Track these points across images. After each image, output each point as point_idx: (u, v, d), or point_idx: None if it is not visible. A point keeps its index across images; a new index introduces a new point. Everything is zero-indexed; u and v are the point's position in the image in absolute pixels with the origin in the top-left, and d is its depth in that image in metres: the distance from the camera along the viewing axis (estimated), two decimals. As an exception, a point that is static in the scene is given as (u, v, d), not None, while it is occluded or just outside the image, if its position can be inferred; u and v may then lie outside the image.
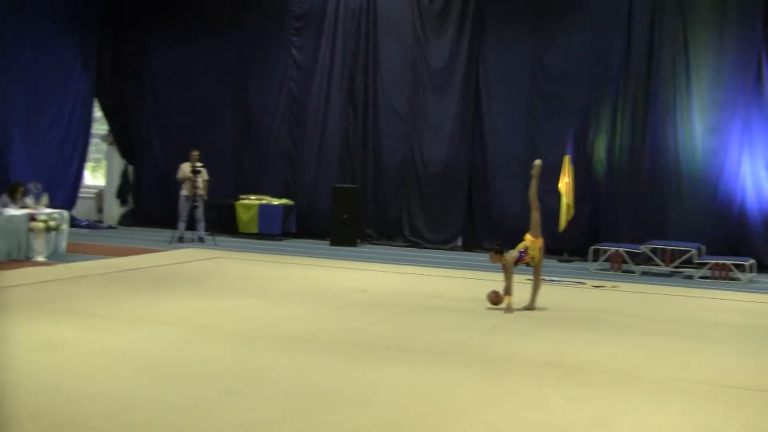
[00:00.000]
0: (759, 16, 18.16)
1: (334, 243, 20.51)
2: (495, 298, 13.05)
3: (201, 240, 20.22)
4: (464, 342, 10.91)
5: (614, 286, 15.93)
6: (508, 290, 12.95)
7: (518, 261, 13.00)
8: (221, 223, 21.43)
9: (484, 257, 19.23)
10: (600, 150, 19.38)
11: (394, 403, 8.11)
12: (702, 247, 17.86)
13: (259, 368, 9.20)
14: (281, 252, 19.15)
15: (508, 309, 12.78)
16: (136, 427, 7.18)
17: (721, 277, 17.11)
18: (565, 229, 18.84)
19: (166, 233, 20.88)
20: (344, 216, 20.43)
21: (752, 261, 17.39)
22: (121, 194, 24.03)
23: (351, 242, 20.49)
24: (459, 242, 20.70)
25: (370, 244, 21.09)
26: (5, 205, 16.91)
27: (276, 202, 21.40)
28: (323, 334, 11.03)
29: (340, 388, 8.56)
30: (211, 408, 7.75)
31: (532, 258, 13.03)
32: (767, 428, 7.84)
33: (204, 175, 20.26)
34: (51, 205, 18.10)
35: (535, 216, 13.18)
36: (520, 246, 13.10)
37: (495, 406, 8.15)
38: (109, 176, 24.41)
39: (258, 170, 22.46)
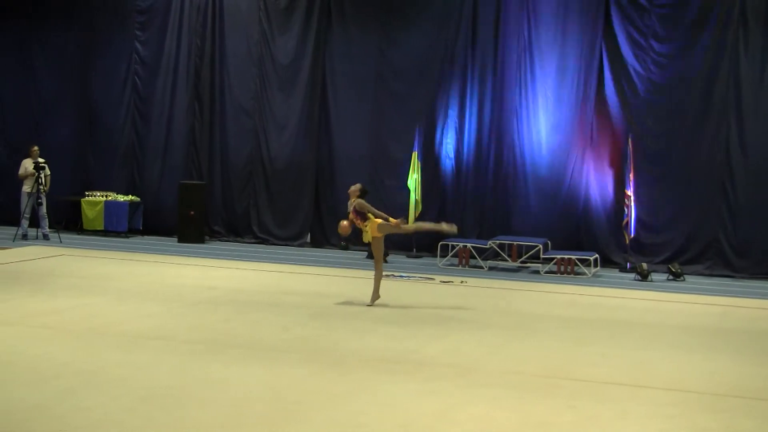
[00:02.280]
0: (600, 13, 18.61)
1: (181, 240, 20.26)
2: (346, 229, 13.40)
3: (46, 237, 19.68)
4: (310, 339, 10.96)
5: (462, 282, 16.21)
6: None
7: (358, 218, 13.22)
8: (66, 220, 20.93)
9: (332, 253, 19.48)
10: (448, 147, 19.65)
11: (238, 402, 8.10)
12: (548, 242, 18.31)
13: (100, 367, 9.06)
14: (128, 249, 18.79)
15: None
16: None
17: (567, 271, 17.56)
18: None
19: (8, 231, 20.25)
20: (191, 213, 20.18)
21: (596, 256, 17.91)
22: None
23: (199, 239, 20.26)
24: (307, 239, 20.68)
25: (219, 240, 20.91)
26: None
27: (122, 198, 21.00)
28: (169, 332, 10.93)
29: (184, 387, 8.51)
30: (46, 410, 7.60)
31: (364, 230, 13.23)
32: (600, 417, 8.13)
33: (46, 171, 19.72)
34: None
35: (382, 220, 13.25)
36: (379, 220, 13.17)
37: (339, 403, 8.22)
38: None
39: (103, 166, 21.97)
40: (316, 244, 20.51)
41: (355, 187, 13.33)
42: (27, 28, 22.39)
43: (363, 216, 13.10)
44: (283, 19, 20.71)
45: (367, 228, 13.13)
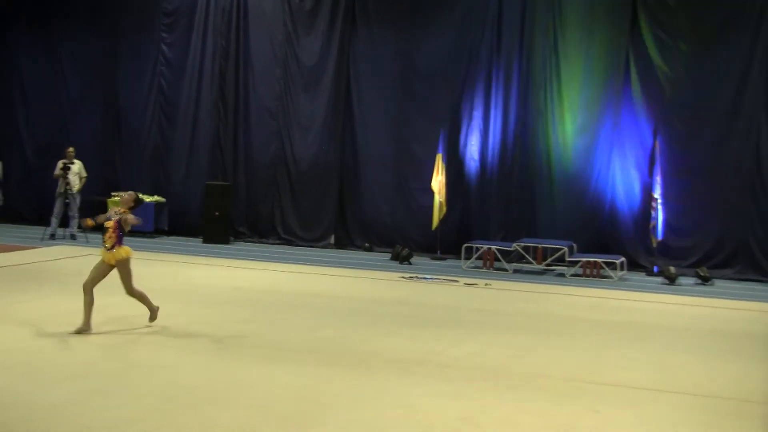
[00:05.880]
0: (627, 14, 18.48)
1: (206, 240, 20.29)
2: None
3: (73, 237, 19.78)
4: (334, 340, 10.92)
5: (487, 284, 16.12)
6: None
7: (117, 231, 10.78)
8: (92, 220, 20.98)
9: (356, 255, 19.44)
10: (472, 148, 19.57)
11: (260, 402, 8.07)
12: (573, 245, 18.18)
13: (125, 367, 9.10)
14: (153, 249, 18.83)
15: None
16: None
17: (592, 274, 17.42)
18: (438, 227, 19.00)
19: (38, 230, 20.38)
20: (216, 213, 20.22)
21: (623, 259, 17.77)
22: (-10, 190, 23.40)
23: (224, 240, 20.29)
24: (331, 240, 20.65)
25: (243, 241, 20.92)
26: None
27: (148, 199, 21.02)
28: (193, 332, 10.92)
29: (209, 386, 8.51)
30: (74, 408, 7.61)
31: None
32: (624, 423, 8.04)
33: (77, 171, 19.85)
34: None
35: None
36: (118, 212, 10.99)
37: (362, 404, 8.17)
38: (-25, 173, 23.70)
39: (129, 167, 22.09)
40: (340, 245, 20.47)
41: (129, 196, 11.21)
42: (55, 33, 22.62)
43: (122, 231, 10.83)
44: (307, 20, 20.70)
45: (117, 251, 10.74)
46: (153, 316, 11.07)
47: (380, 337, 11.22)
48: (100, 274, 10.75)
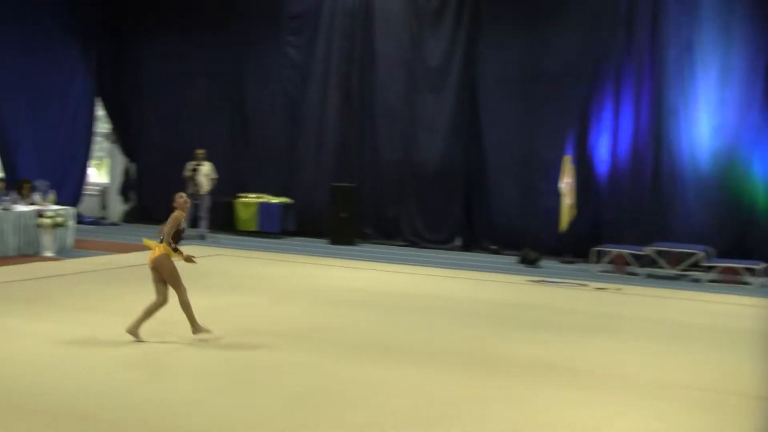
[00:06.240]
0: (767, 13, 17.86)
1: (333, 242, 20.34)
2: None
3: (202, 237, 20.09)
4: (461, 342, 10.75)
5: (618, 289, 15.69)
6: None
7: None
8: (221, 221, 21.31)
9: (483, 257, 19.21)
10: (602, 149, 19.12)
11: (387, 403, 7.98)
12: (710, 249, 17.49)
13: (252, 366, 9.15)
14: (280, 250, 19.00)
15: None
16: (128, 423, 7.09)
17: (731, 280, 16.77)
18: (567, 230, 18.60)
19: (167, 230, 20.79)
20: (343, 215, 20.27)
21: (764, 264, 17.07)
22: (124, 191, 24.09)
23: (350, 241, 20.32)
24: (458, 242, 20.47)
25: (369, 243, 20.90)
26: (14, 202, 17.34)
27: (275, 200, 21.28)
28: (319, 333, 10.92)
29: (336, 387, 8.48)
30: (203, 405, 7.69)
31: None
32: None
33: (206, 172, 20.22)
34: (57, 202, 18.48)
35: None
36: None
37: (489, 408, 7.99)
38: (112, 174, 24.53)
39: (255, 169, 22.32)
40: (466, 247, 20.26)
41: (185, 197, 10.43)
42: (184, 38, 23.05)
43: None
44: (433, 21, 20.58)
45: (161, 248, 10.07)
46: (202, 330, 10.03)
47: (508, 340, 10.99)
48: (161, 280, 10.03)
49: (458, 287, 15.21)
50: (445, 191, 20.44)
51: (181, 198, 10.15)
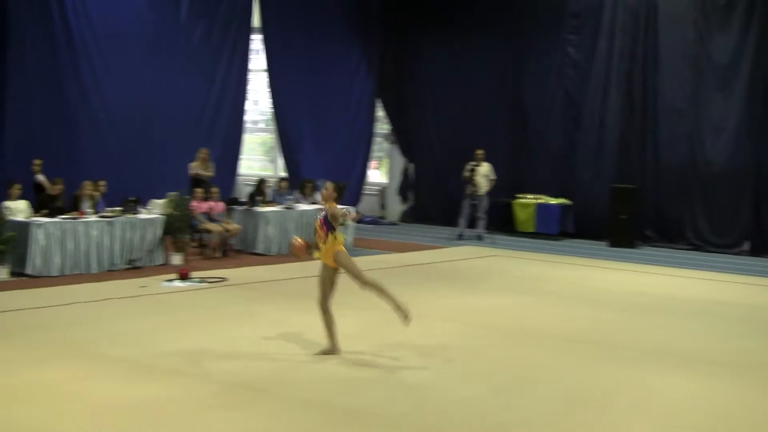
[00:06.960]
0: None
1: (612, 244, 20.01)
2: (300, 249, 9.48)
3: (480, 238, 20.30)
4: (748, 352, 10.31)
5: None
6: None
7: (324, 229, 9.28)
8: (498, 222, 21.44)
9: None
10: None
11: (668, 411, 7.79)
12: None
13: (530, 368, 9.17)
14: (558, 252, 18.91)
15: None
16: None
17: None
18: None
19: (445, 230, 21.20)
20: (623, 217, 19.91)
21: None
22: (402, 191, 24.67)
23: (630, 244, 19.93)
24: (746, 246, 19.61)
25: (650, 246, 20.40)
26: (297, 201, 18.17)
27: (553, 201, 21.17)
28: (597, 337, 10.80)
29: (613, 392, 8.35)
30: (479, 404, 7.79)
31: (322, 246, 9.32)
32: None
33: (485, 173, 20.37)
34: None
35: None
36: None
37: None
38: (390, 174, 25.16)
39: (533, 169, 22.27)
40: (755, 252, 19.37)
41: (327, 189, 9.45)
42: (461, 37, 23.34)
43: (330, 228, 9.29)
44: (721, 17, 19.79)
45: (328, 244, 9.25)
46: (402, 314, 9.03)
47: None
48: (327, 283, 9.24)
49: (743, 294, 14.57)
50: (732, 193, 19.62)
51: (326, 190, 9.36)
